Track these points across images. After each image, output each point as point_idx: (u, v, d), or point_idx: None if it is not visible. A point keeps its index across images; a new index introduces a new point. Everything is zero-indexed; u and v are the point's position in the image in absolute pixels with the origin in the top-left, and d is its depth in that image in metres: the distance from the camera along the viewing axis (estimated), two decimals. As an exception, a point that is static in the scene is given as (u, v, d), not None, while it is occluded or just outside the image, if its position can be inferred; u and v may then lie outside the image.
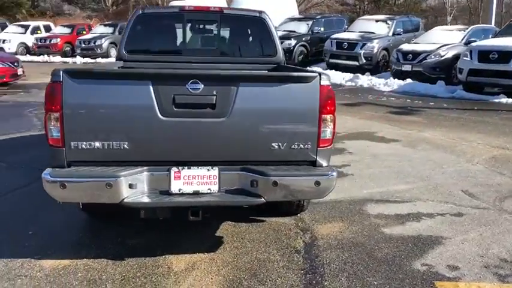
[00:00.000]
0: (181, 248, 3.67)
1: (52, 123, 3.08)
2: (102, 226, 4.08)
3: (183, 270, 3.36)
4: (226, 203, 3.25)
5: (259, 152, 3.25)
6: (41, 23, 27.56)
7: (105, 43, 23.29)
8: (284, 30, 19.13)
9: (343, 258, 3.55)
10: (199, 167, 3.22)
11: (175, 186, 3.20)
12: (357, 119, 9.32)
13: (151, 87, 3.10)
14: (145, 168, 3.17)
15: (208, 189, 3.22)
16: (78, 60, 22.29)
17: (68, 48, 24.51)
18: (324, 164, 3.34)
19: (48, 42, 24.39)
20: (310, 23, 19.41)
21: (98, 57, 22.52)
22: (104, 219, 4.19)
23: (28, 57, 23.25)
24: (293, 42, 18.26)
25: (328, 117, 3.26)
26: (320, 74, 3.24)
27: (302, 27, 19.30)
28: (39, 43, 24.50)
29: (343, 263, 3.48)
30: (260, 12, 5.14)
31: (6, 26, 27.42)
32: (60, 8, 43.02)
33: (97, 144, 3.11)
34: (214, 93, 3.14)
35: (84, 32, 25.59)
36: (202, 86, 3.12)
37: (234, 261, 3.50)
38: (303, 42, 18.64)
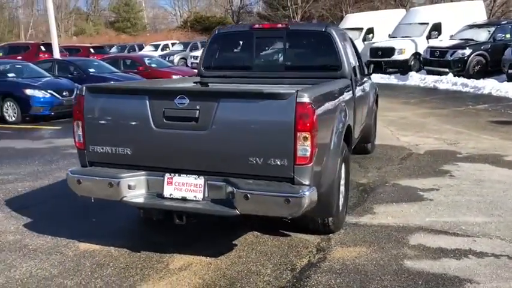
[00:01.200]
0: (192, 249, 3.95)
1: (78, 129, 3.74)
2: (147, 223, 4.62)
3: (175, 269, 3.66)
4: (205, 211, 3.44)
5: (239, 165, 3.36)
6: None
7: None
8: (460, 39, 17.57)
9: (331, 284, 3.37)
10: (188, 175, 3.50)
11: (168, 191, 3.54)
12: (498, 139, 8.13)
13: (147, 101, 3.51)
14: (143, 172, 3.60)
15: (194, 196, 3.47)
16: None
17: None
18: (305, 182, 3.26)
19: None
20: (492, 29, 17.33)
21: None
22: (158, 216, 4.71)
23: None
24: (467, 51, 16.61)
25: (305, 134, 3.17)
26: (297, 92, 3.19)
27: (482, 35, 17.36)
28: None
29: (326, 289, 3.32)
30: (326, 26, 5.10)
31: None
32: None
33: (108, 148, 3.66)
34: (198, 107, 3.38)
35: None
36: (188, 101, 3.39)
37: (225, 269, 3.64)
38: (480, 51, 16.77)
